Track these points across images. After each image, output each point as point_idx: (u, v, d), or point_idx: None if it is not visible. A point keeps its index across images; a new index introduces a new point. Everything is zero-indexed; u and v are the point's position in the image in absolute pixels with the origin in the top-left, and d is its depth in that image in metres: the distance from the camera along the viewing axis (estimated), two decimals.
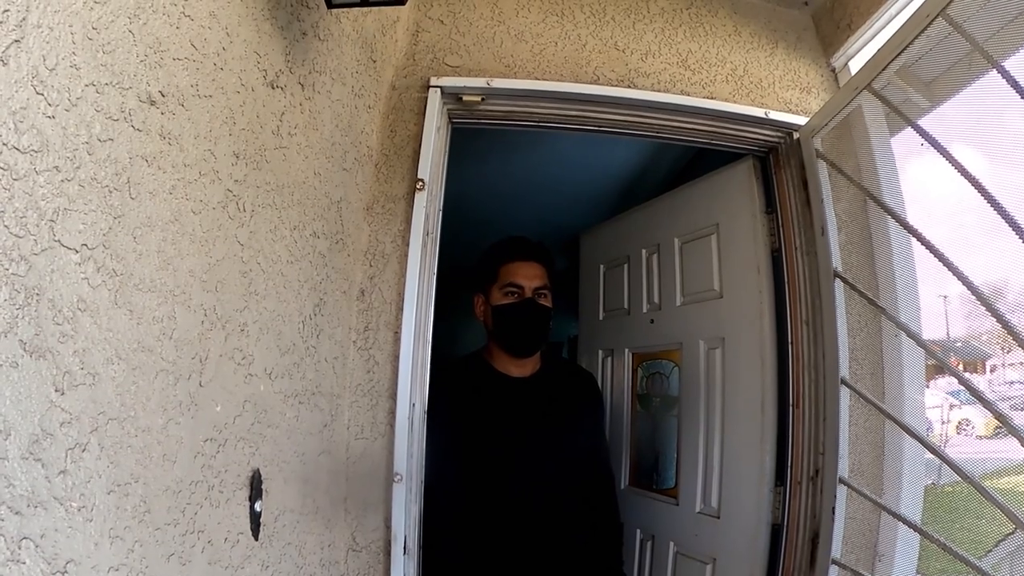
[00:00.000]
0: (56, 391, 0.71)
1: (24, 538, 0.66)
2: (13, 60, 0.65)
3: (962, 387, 1.72)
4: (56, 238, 0.71)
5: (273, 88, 1.30)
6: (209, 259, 1.06)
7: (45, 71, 0.69)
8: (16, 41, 0.65)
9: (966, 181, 1.57)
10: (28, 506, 0.66)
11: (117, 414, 0.82)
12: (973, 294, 1.58)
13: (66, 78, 0.72)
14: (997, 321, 1.53)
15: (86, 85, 0.76)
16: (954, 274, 1.63)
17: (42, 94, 0.69)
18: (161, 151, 0.91)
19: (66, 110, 0.73)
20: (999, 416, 1.55)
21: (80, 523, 0.75)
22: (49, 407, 0.70)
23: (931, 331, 1.91)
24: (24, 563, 0.65)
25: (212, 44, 1.05)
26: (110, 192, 0.80)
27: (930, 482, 2.10)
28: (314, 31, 1.47)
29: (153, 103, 0.89)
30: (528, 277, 2.15)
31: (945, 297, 2.30)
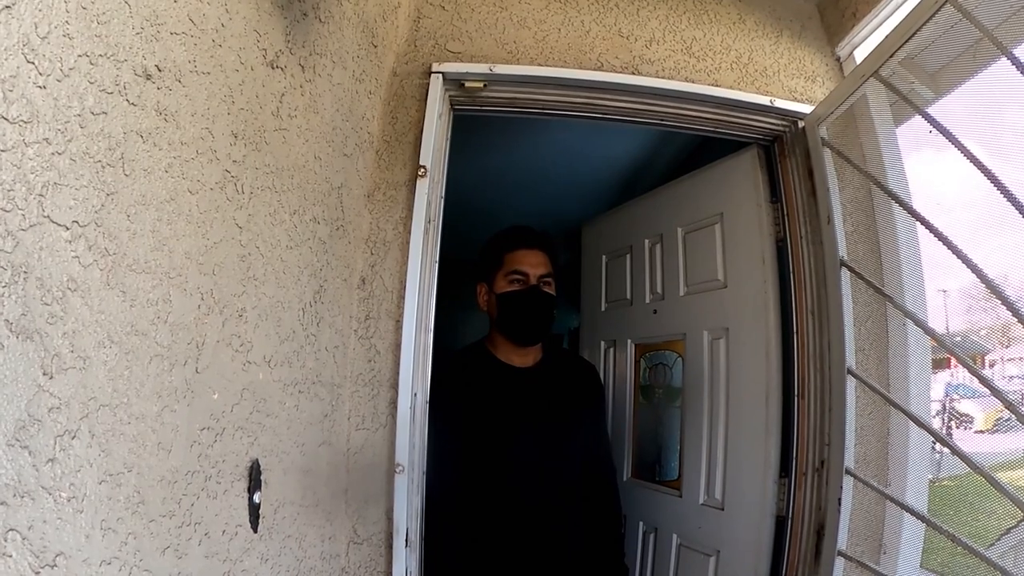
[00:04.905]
0: (44, 375, 0.68)
1: (10, 530, 0.63)
2: (3, 26, 0.62)
3: (960, 382, 1.70)
4: (45, 213, 0.68)
5: (273, 68, 1.26)
6: (206, 241, 1.03)
7: (36, 39, 0.66)
8: (7, 7, 0.62)
9: (970, 173, 1.55)
10: (14, 496, 0.63)
11: (109, 400, 0.79)
12: (981, 280, 1.56)
13: (58, 47, 0.69)
14: (1007, 308, 1.51)
15: (79, 55, 0.73)
16: (961, 260, 1.60)
17: (33, 63, 0.66)
18: (157, 127, 0.88)
19: (58, 80, 0.70)
20: (1008, 404, 1.53)
21: (70, 514, 0.72)
22: (37, 391, 0.67)
23: (933, 325, 1.89)
24: (11, 556, 0.63)
25: (211, 20, 1.02)
26: (103, 168, 0.77)
27: (929, 476, 2.08)
28: (315, 12, 1.44)
29: (149, 77, 0.86)
30: (533, 265, 2.14)
31: (945, 292, 2.28)
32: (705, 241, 2.67)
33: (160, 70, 0.88)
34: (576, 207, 4.38)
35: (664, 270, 2.89)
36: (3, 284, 0.62)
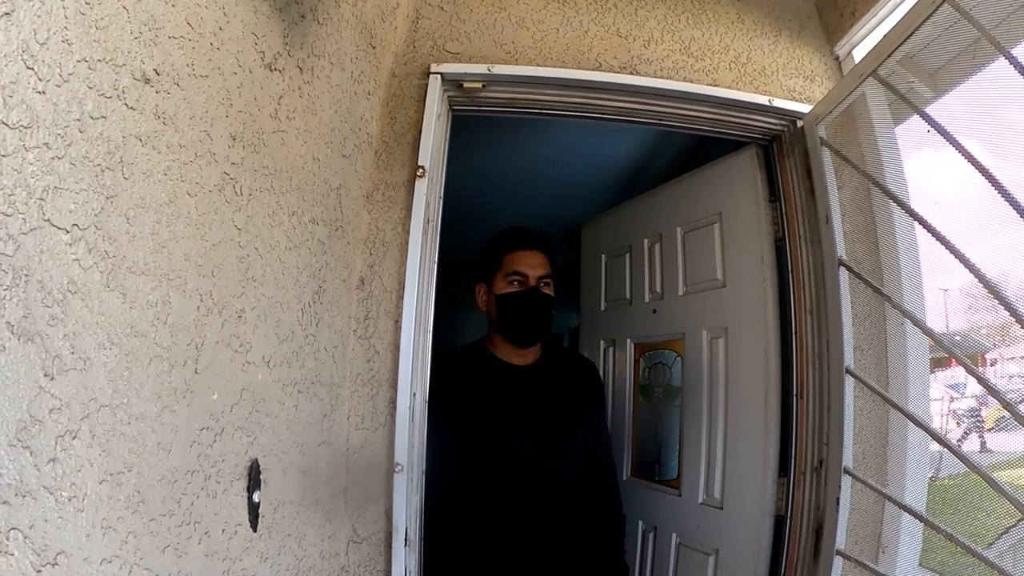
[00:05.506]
0: (45, 376, 0.69)
1: (12, 529, 0.64)
2: (3, 33, 0.63)
3: (960, 381, 1.70)
4: (46, 217, 0.69)
5: (271, 70, 1.27)
6: (205, 243, 1.04)
7: (36, 45, 0.67)
8: (6, 14, 0.63)
9: (968, 173, 1.55)
10: (16, 495, 0.64)
11: (109, 401, 0.80)
12: (979, 280, 1.56)
13: (57, 53, 0.70)
14: (1004, 308, 1.51)
15: (78, 61, 0.74)
16: (959, 260, 1.60)
17: (32, 68, 0.67)
18: (156, 131, 0.89)
19: (57, 86, 0.70)
20: (1006, 404, 1.53)
21: (71, 513, 0.73)
22: (38, 393, 0.67)
23: (932, 324, 1.89)
24: (12, 555, 0.63)
25: (208, 23, 1.03)
26: (102, 171, 0.78)
27: (929, 475, 2.08)
28: (313, 14, 1.44)
29: (147, 81, 0.87)
30: (532, 266, 2.14)
31: (944, 291, 2.28)
32: (704, 240, 2.67)
33: (158, 74, 0.89)
34: (575, 207, 4.38)
35: (663, 269, 2.90)
36: (4, 287, 0.63)
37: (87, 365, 0.76)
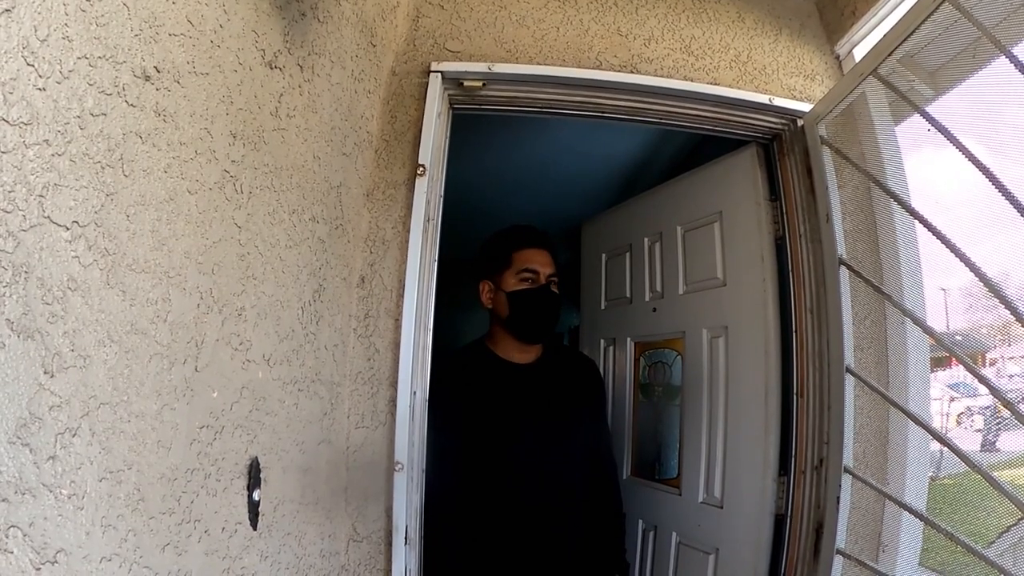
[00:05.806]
0: (45, 373, 0.69)
1: (12, 526, 0.63)
2: (3, 29, 0.63)
3: (960, 380, 1.70)
4: (46, 214, 0.68)
5: (271, 68, 1.27)
6: (205, 241, 1.04)
7: (36, 42, 0.67)
8: (7, 10, 0.63)
9: (968, 172, 1.55)
10: (16, 493, 0.64)
11: (109, 398, 0.80)
12: (979, 279, 1.56)
13: (58, 50, 0.70)
14: (1005, 307, 1.51)
15: (78, 58, 0.73)
16: (960, 259, 1.60)
17: (32, 65, 0.67)
18: (156, 128, 0.89)
19: (57, 82, 0.70)
20: (1007, 404, 1.53)
21: (71, 511, 0.73)
22: (38, 390, 0.67)
23: (932, 324, 1.89)
24: (12, 552, 0.63)
25: (209, 21, 1.03)
26: (103, 168, 0.78)
27: (929, 474, 2.08)
28: (313, 12, 1.44)
29: (148, 79, 0.87)
30: (542, 264, 2.16)
31: (944, 290, 2.28)
32: (704, 239, 2.67)
33: (159, 71, 0.89)
34: (576, 206, 4.37)
35: (663, 268, 2.89)
36: (4, 284, 0.63)
37: (87, 363, 0.76)
